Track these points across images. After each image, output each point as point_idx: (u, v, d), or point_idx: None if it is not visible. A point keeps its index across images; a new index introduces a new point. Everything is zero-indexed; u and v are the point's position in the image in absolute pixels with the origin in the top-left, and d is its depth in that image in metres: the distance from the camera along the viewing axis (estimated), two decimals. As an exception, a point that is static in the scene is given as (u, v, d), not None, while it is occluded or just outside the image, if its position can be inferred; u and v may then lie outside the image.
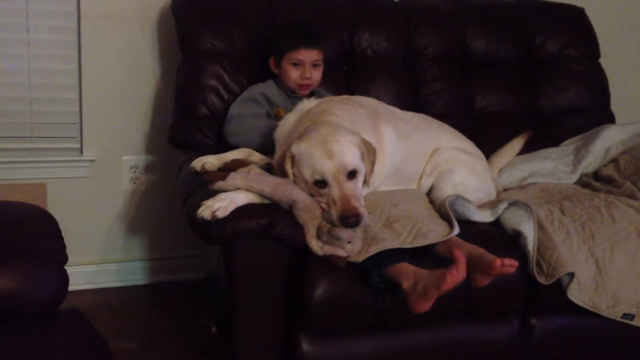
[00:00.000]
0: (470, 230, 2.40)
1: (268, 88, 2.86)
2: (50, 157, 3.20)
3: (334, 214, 2.19)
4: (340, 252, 2.20)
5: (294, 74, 2.82)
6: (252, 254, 2.26)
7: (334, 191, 2.22)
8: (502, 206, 2.53)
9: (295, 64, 2.82)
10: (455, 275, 2.07)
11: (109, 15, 3.14)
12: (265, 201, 2.27)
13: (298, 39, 2.82)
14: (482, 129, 3.30)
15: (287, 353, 2.32)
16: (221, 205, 2.16)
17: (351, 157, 2.25)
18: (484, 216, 2.53)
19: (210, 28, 2.96)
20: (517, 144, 3.18)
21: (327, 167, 2.22)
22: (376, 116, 2.57)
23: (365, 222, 2.21)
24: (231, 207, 2.18)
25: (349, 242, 2.19)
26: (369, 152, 2.32)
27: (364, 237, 2.25)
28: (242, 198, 2.22)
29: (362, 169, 2.28)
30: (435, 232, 2.29)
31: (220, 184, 2.22)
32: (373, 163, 2.35)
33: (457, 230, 2.30)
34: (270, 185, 2.24)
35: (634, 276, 2.49)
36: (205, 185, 2.26)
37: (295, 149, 2.28)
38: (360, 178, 2.28)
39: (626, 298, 2.48)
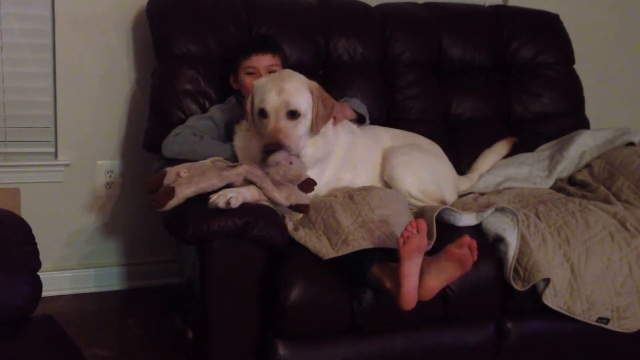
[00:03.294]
0: (450, 233, 2.41)
1: (226, 105, 2.85)
2: (24, 162, 3.16)
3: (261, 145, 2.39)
4: (304, 200, 2.34)
5: (249, 83, 2.76)
6: (228, 257, 2.25)
7: (270, 123, 2.42)
8: (489, 211, 2.55)
9: (250, 73, 2.79)
10: (408, 238, 2.07)
11: (84, 19, 3.12)
12: (265, 201, 2.32)
13: (248, 46, 2.84)
14: (458, 135, 3.31)
15: (263, 358, 2.31)
16: (233, 195, 2.21)
17: (298, 98, 2.44)
18: (469, 219, 2.54)
19: (185, 32, 2.95)
20: (501, 148, 3.21)
21: (272, 100, 2.42)
22: None
23: (289, 151, 2.37)
24: (240, 199, 2.23)
25: (290, 163, 2.33)
26: (322, 98, 2.49)
27: (336, 232, 2.28)
28: (246, 193, 2.27)
29: (306, 114, 2.47)
30: None
31: (171, 203, 2.21)
32: (329, 114, 2.52)
33: (430, 246, 2.29)
34: (215, 176, 2.28)
35: (608, 280, 2.51)
36: (156, 209, 2.25)
37: (255, 82, 2.53)
38: (302, 121, 2.45)
39: (601, 302, 2.50)
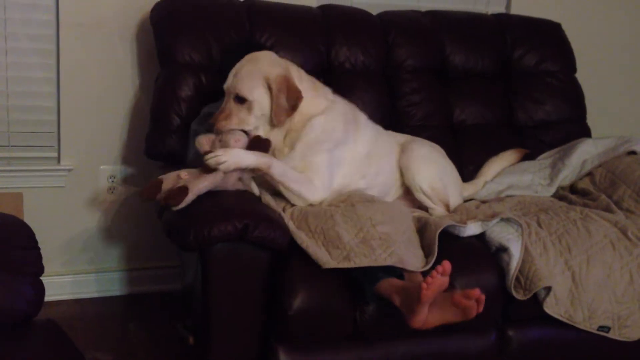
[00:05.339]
0: (453, 243, 2.44)
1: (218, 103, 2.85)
2: (27, 166, 3.17)
3: None
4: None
5: None
6: (229, 261, 2.25)
7: (223, 104, 2.50)
8: (495, 221, 2.55)
9: None
10: (432, 283, 2.06)
11: (89, 24, 3.12)
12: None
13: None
14: (461, 141, 3.31)
15: (265, 364, 2.32)
16: (227, 160, 2.28)
17: (247, 84, 2.47)
18: (475, 229, 2.54)
19: (188, 40, 2.95)
20: (509, 156, 3.22)
21: (228, 81, 2.52)
22: (351, 104, 2.78)
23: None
24: (234, 166, 2.30)
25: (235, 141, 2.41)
26: (285, 89, 2.47)
27: (337, 246, 2.28)
28: (248, 159, 2.34)
29: (256, 100, 2.47)
30: (409, 259, 2.29)
31: (187, 200, 2.23)
32: (292, 106, 2.50)
33: (430, 264, 2.30)
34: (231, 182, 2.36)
35: (609, 289, 2.51)
36: (169, 208, 2.26)
37: None
38: (252, 108, 2.47)
39: (602, 310, 2.50)
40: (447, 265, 2.08)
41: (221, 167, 2.28)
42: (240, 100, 2.47)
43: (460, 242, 2.51)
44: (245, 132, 2.49)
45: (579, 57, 3.60)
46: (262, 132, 2.52)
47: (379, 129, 2.85)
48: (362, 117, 2.78)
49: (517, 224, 2.53)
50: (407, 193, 2.82)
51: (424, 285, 2.06)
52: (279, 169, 2.42)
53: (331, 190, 2.55)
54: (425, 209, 2.77)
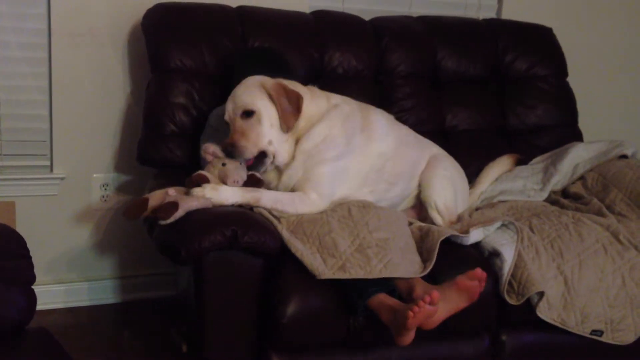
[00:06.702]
0: (448, 249, 2.44)
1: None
2: (19, 175, 3.16)
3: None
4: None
5: None
6: (222, 268, 2.26)
7: (230, 131, 2.47)
8: (497, 225, 2.56)
9: None
10: (418, 312, 2.08)
11: (80, 32, 3.12)
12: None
13: (262, 69, 2.78)
14: (454, 147, 3.30)
15: (258, 370, 2.32)
16: (213, 197, 2.30)
17: (247, 98, 2.47)
18: (477, 235, 2.54)
19: (180, 46, 2.95)
20: (505, 161, 3.22)
21: (228, 108, 2.49)
22: (367, 109, 2.74)
23: (243, 155, 2.41)
24: (219, 204, 2.32)
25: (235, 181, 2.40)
26: (285, 94, 2.46)
27: (330, 253, 2.28)
28: (233, 197, 2.34)
29: (262, 110, 2.46)
30: (405, 267, 2.30)
31: (176, 215, 2.24)
32: (297, 108, 2.48)
33: (428, 270, 2.31)
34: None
35: (602, 293, 2.52)
36: (157, 222, 2.27)
37: None
38: (261, 118, 2.45)
39: (595, 314, 2.51)
40: (435, 295, 2.10)
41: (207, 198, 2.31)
42: (248, 114, 2.46)
43: (455, 247, 2.51)
44: (264, 153, 2.48)
45: (570, 62, 3.62)
46: (277, 144, 2.50)
47: (402, 138, 2.80)
48: (379, 126, 2.72)
49: (513, 230, 2.54)
50: (416, 206, 2.83)
51: (411, 313, 2.08)
52: (269, 200, 2.42)
53: (332, 201, 2.52)
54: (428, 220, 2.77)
